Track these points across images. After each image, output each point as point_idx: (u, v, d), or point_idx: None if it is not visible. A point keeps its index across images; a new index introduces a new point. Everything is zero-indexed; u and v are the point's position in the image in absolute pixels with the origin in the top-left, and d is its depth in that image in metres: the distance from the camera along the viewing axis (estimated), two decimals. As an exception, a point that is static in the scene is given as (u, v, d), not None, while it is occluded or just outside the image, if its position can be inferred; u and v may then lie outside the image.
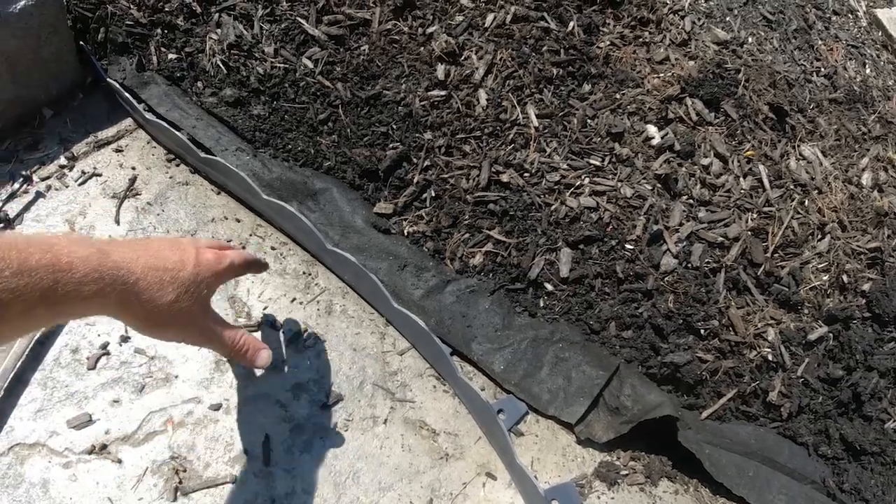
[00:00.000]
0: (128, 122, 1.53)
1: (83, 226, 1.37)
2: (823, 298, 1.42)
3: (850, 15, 1.97)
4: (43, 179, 1.43)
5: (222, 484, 1.13)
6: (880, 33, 1.97)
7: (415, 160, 1.38)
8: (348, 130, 1.41)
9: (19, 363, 1.19)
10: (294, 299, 1.32)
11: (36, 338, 1.22)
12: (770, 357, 1.35)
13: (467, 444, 1.23)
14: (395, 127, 1.40)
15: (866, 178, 1.55)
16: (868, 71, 1.81)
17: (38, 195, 1.41)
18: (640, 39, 1.54)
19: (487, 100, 1.40)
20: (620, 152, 1.38)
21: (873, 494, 1.39)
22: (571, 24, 1.49)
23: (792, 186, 1.46)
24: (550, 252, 1.33)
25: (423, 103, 1.40)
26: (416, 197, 1.38)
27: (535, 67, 1.42)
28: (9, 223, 1.36)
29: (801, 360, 1.38)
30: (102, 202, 1.40)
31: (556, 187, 1.35)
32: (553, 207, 1.34)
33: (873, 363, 1.41)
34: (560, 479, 1.23)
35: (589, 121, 1.41)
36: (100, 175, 1.44)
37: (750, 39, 1.67)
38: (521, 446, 1.25)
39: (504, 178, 1.35)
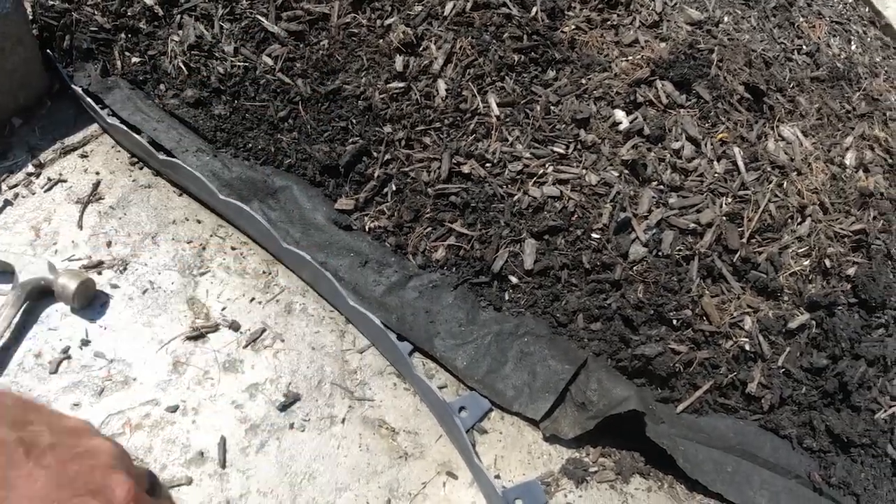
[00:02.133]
0: (94, 128, 1.53)
1: (48, 231, 1.37)
2: (805, 284, 1.36)
3: (837, -10, 1.90)
4: (11, 188, 1.44)
5: (178, 485, 1.12)
6: (867, 9, 1.89)
7: (375, 154, 1.35)
8: (308, 127, 1.39)
9: (-14, 369, 1.19)
10: (253, 299, 1.30)
11: (0, 343, 1.22)
12: (747, 347, 1.30)
13: (427, 442, 1.20)
14: (354, 121, 1.38)
15: (850, 158, 1.48)
16: (853, 48, 1.73)
17: (7, 203, 1.41)
18: (609, 22, 1.50)
19: (447, 90, 1.37)
20: (586, 139, 1.34)
21: (863, 488, 1.33)
22: (535, 9, 1.45)
23: (769, 168, 1.40)
24: (514, 244, 1.30)
25: (382, 96, 1.37)
26: (377, 192, 1.35)
27: (496, 55, 1.38)
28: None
29: (781, 350, 1.33)
30: (67, 208, 1.40)
31: (518, 177, 1.32)
32: (516, 198, 1.31)
33: (860, 351, 1.35)
34: (525, 477, 1.19)
35: (552, 107, 1.37)
36: (65, 181, 1.44)
37: (726, 18, 1.61)
38: (485, 444, 1.22)
39: (465, 169, 1.32)
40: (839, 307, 1.37)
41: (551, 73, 1.41)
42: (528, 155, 1.33)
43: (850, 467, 1.34)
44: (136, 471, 0.64)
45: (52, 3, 1.52)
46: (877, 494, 1.33)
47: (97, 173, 1.45)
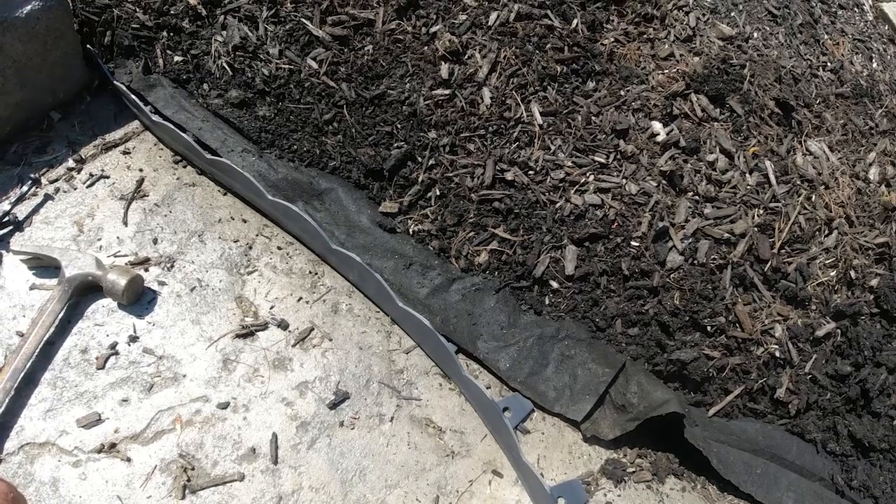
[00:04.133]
0: (135, 125, 1.54)
1: (91, 227, 1.38)
2: (831, 294, 1.42)
3: (856, 9, 1.96)
4: (51, 182, 1.44)
5: (230, 482, 1.14)
6: (887, 27, 1.95)
7: (419, 159, 1.38)
8: (353, 130, 1.42)
9: (29, 363, 1.20)
10: (300, 298, 1.32)
11: (45, 338, 1.23)
12: (777, 353, 1.35)
13: (473, 441, 1.23)
14: (399, 126, 1.40)
15: (873, 173, 1.53)
16: (875, 65, 1.79)
17: (47, 197, 1.42)
18: (645, 36, 1.54)
19: (491, 98, 1.40)
20: (625, 149, 1.38)
21: (882, 491, 1.38)
22: (575, 21, 1.49)
23: (798, 182, 1.45)
24: (555, 250, 1.33)
25: (427, 102, 1.40)
26: (421, 196, 1.38)
27: (539, 65, 1.42)
28: (18, 225, 1.38)
29: (808, 357, 1.38)
30: (110, 204, 1.41)
31: (560, 185, 1.35)
32: (558, 205, 1.34)
33: (882, 359, 1.40)
34: (566, 477, 1.23)
35: (593, 118, 1.41)
36: (107, 177, 1.45)
37: (755, 34, 1.66)
38: (528, 444, 1.25)
39: (509, 176, 1.35)
40: (862, 317, 1.42)
41: (591, 84, 1.45)
42: (569, 163, 1.36)
43: (870, 471, 1.40)
44: None
45: (92, -2, 1.53)
46: (894, 498, 1.39)
47: (140, 170, 1.46)
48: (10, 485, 0.62)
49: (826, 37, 1.77)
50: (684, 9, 1.61)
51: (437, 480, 1.18)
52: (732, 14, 1.67)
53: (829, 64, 1.71)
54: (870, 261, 1.45)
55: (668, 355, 1.31)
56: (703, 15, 1.63)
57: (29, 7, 1.37)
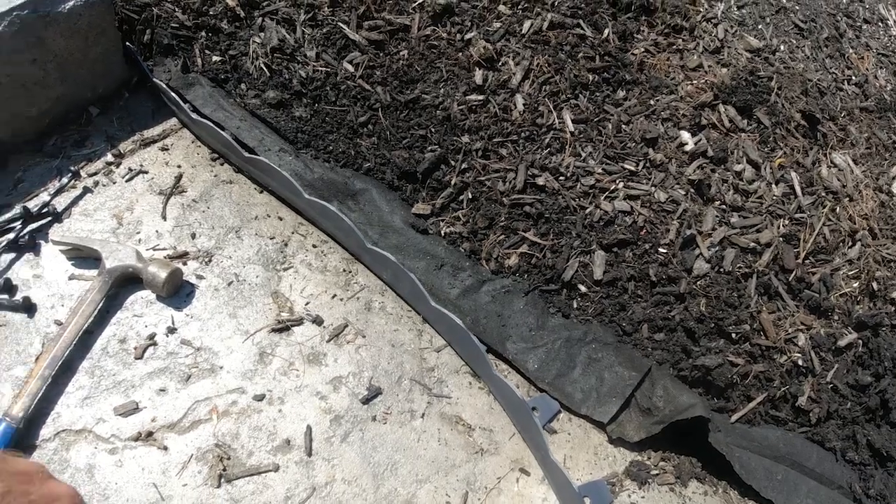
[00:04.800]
0: (172, 122, 1.58)
1: (130, 220, 1.42)
2: (853, 305, 1.44)
3: (880, 24, 1.98)
4: (90, 175, 1.48)
5: (265, 472, 1.17)
6: (911, 42, 1.97)
7: (452, 163, 1.41)
8: (388, 133, 1.45)
9: (67, 352, 1.23)
10: (335, 295, 1.35)
11: (84, 327, 1.26)
12: (800, 362, 1.37)
13: (502, 439, 1.26)
14: (433, 130, 1.43)
15: (897, 187, 1.56)
16: (899, 80, 1.82)
17: (86, 190, 1.46)
18: (674, 46, 1.56)
19: (524, 104, 1.43)
20: (654, 157, 1.41)
21: (900, 501, 1.40)
22: (606, 31, 1.52)
23: (823, 193, 1.47)
24: (584, 254, 1.36)
25: (461, 107, 1.43)
26: (453, 198, 1.41)
27: (571, 73, 1.45)
28: (57, 216, 1.41)
29: (830, 366, 1.40)
30: (149, 198, 1.45)
31: (590, 191, 1.38)
32: (588, 211, 1.37)
33: (902, 370, 1.42)
34: (591, 477, 1.25)
35: (623, 126, 1.43)
36: (146, 172, 1.49)
37: (782, 47, 1.69)
38: (554, 444, 1.28)
39: (540, 181, 1.38)
40: (884, 328, 1.44)
41: (621, 93, 1.48)
42: (599, 170, 1.39)
43: (888, 480, 1.41)
44: None
45: (133, -4, 1.56)
46: (912, 507, 1.41)
47: (178, 166, 1.50)
48: (72, 487, 0.61)
49: (851, 51, 1.80)
50: (713, 21, 1.64)
51: (466, 476, 1.21)
52: (760, 27, 1.70)
53: (853, 78, 1.74)
54: (892, 273, 1.47)
55: (693, 361, 1.34)
56: (732, 27, 1.66)
57: (72, 3, 1.41)
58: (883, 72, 1.80)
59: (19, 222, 1.37)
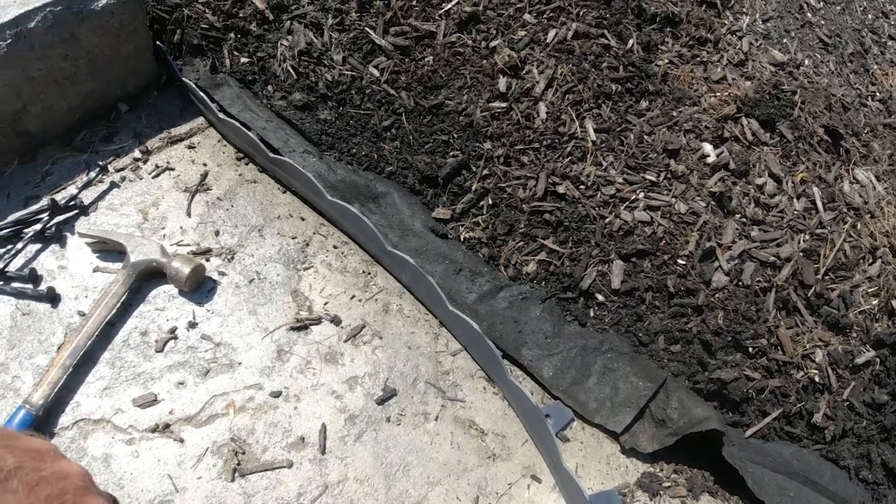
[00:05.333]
0: (199, 121, 1.61)
1: (155, 216, 1.44)
2: (872, 322, 1.43)
3: (907, 41, 1.97)
4: (118, 171, 1.51)
5: (279, 468, 1.18)
6: (938, 60, 1.96)
7: (474, 168, 1.43)
8: (410, 137, 1.47)
9: (89, 342, 1.26)
10: (353, 296, 1.37)
11: (107, 319, 1.29)
12: (817, 378, 1.36)
13: (514, 445, 1.27)
14: (455, 136, 1.45)
15: (921, 206, 1.55)
16: (925, 98, 1.80)
17: (113, 185, 1.49)
18: (698, 58, 1.57)
19: (547, 113, 1.44)
20: (676, 169, 1.41)
21: (914, 523, 1.39)
22: (631, 41, 1.52)
23: (845, 209, 1.46)
24: (603, 263, 1.36)
25: (483, 114, 1.44)
26: (473, 204, 1.42)
27: (595, 83, 1.45)
28: (84, 209, 1.44)
29: (847, 384, 1.39)
30: (175, 195, 1.47)
31: (611, 200, 1.39)
32: (607, 220, 1.37)
33: (921, 390, 1.41)
34: (603, 487, 1.25)
35: (646, 137, 1.44)
36: (172, 169, 1.52)
37: (806, 62, 1.68)
38: (567, 452, 1.28)
39: (560, 189, 1.39)
40: (903, 347, 1.43)
41: (644, 104, 1.48)
42: (620, 180, 1.40)
43: (903, 501, 1.40)
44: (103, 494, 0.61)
45: (164, -3, 1.60)
46: (926, 530, 1.39)
47: (204, 165, 1.53)
48: (83, 467, 0.60)
49: (875, 67, 1.79)
50: (738, 34, 1.64)
51: (477, 481, 1.22)
52: (784, 41, 1.70)
53: (878, 94, 1.73)
54: (913, 292, 1.46)
55: (709, 374, 1.33)
56: (756, 40, 1.66)
57: (105, 1, 1.44)
58: (908, 89, 1.79)
59: (46, 214, 1.40)
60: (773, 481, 1.34)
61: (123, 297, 1.32)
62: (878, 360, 1.44)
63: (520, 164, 1.42)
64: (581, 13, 1.53)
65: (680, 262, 1.36)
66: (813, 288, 1.39)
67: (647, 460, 1.31)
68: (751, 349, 1.35)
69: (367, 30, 1.53)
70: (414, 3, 1.54)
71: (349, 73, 1.51)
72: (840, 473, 1.41)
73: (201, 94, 1.51)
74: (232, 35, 1.60)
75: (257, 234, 1.43)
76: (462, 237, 1.40)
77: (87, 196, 1.47)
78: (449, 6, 1.52)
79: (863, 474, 1.41)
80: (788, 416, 1.38)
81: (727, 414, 1.37)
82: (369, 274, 1.41)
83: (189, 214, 1.44)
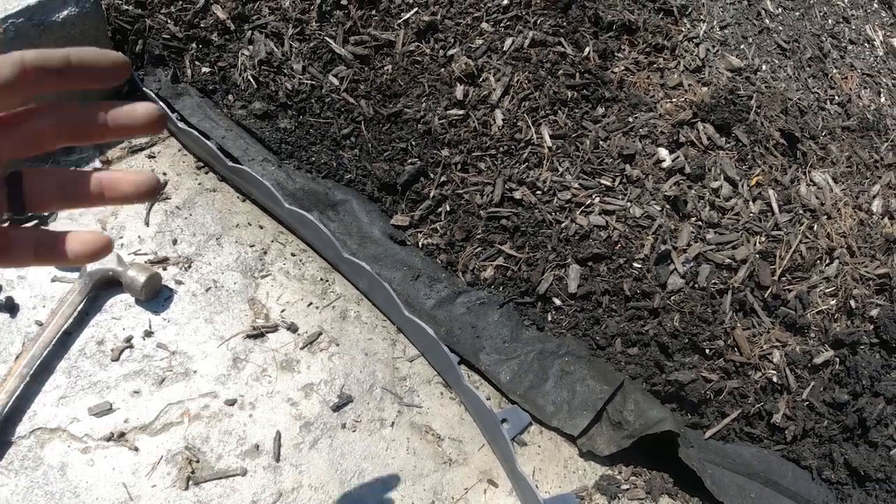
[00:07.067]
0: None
1: (114, 225, 1.44)
2: (830, 322, 1.44)
3: (866, 44, 2.00)
4: (80, 182, 1.51)
5: (233, 476, 1.18)
6: (897, 64, 1.99)
7: (432, 175, 1.43)
8: (369, 145, 1.47)
9: (46, 351, 1.25)
10: (311, 304, 1.37)
11: (64, 328, 1.28)
12: (775, 379, 1.37)
13: (471, 450, 1.26)
14: (414, 143, 1.46)
15: (877, 205, 1.56)
16: (883, 99, 1.83)
17: (75, 197, 1.49)
18: (655, 65, 1.59)
19: (503, 120, 1.45)
20: (631, 173, 1.42)
21: (877, 522, 1.39)
22: (587, 49, 1.54)
23: (801, 211, 1.48)
24: (559, 268, 1.37)
25: (441, 121, 1.45)
26: (431, 211, 1.43)
27: (551, 90, 1.47)
28: (43, 220, 1.44)
29: (806, 384, 1.40)
30: (134, 205, 1.47)
31: (567, 205, 1.40)
32: (563, 225, 1.38)
33: (880, 389, 1.41)
34: (561, 490, 1.25)
35: (601, 142, 1.45)
36: (133, 179, 1.51)
37: (764, 67, 1.70)
38: (524, 456, 1.28)
39: (517, 195, 1.40)
40: (862, 346, 1.44)
41: (601, 110, 1.50)
42: (576, 185, 1.41)
43: (865, 500, 1.40)
44: None
45: (126, 7, 1.61)
46: (890, 528, 1.39)
47: (164, 174, 1.53)
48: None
49: (835, 71, 1.81)
50: (695, 40, 1.66)
51: (433, 486, 1.21)
52: (742, 47, 1.72)
53: (836, 97, 1.75)
54: (870, 291, 1.47)
55: (667, 376, 1.34)
56: (713, 47, 1.68)
57: (66, 12, 1.45)
58: (867, 91, 1.81)
59: (5, 224, 1.39)
60: (734, 482, 1.34)
61: (80, 307, 1.31)
62: (837, 359, 1.45)
63: (477, 170, 1.43)
64: (538, 21, 1.55)
65: (636, 265, 1.37)
66: (769, 289, 1.40)
67: (605, 463, 1.31)
68: (708, 351, 1.35)
69: (327, 39, 1.55)
70: (373, 12, 1.56)
71: (309, 81, 1.52)
72: (802, 473, 1.42)
73: (161, 104, 1.52)
74: (193, 45, 1.61)
75: (215, 242, 1.43)
76: (420, 243, 1.41)
77: (49, 207, 1.46)
78: (408, 15, 1.54)
79: (826, 474, 1.41)
80: (748, 416, 1.38)
81: (686, 416, 1.37)
82: (327, 281, 1.41)
83: (147, 224, 1.44)
